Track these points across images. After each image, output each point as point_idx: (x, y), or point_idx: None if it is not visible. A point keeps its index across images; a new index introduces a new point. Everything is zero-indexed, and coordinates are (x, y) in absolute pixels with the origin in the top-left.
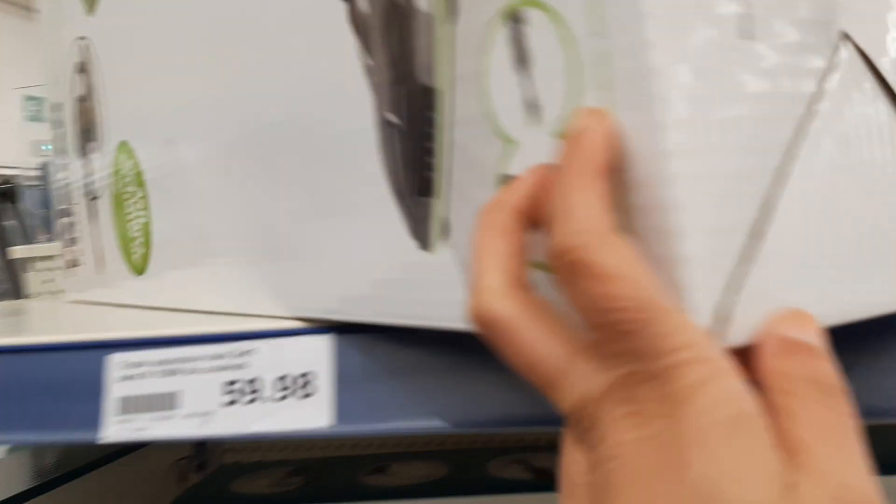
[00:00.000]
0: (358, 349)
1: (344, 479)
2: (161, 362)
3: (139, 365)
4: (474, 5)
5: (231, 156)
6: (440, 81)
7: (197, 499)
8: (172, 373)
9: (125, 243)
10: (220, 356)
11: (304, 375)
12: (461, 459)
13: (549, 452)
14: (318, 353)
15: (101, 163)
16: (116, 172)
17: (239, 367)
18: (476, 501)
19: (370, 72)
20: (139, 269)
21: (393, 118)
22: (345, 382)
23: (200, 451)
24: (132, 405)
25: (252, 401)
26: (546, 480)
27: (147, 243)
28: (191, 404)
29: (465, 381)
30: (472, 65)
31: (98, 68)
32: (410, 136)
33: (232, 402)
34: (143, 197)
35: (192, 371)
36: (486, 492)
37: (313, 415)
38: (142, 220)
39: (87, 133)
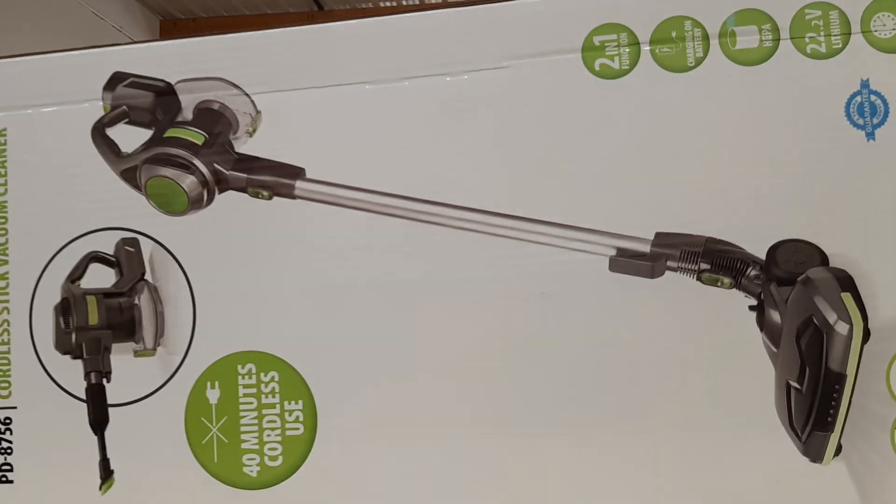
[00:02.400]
0: None
1: None
2: None
3: None
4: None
5: None
6: (849, 370)
7: None
8: None
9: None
10: None
11: None
12: None
13: None
14: None
15: None
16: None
17: None
18: None
19: (773, 355)
20: (254, 483)
21: (795, 384)
22: None
23: None
24: None
25: None
26: None
27: (293, 453)
28: None
29: None
30: (881, 365)
31: None
32: (808, 396)
33: None
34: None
35: None
36: None
37: None
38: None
39: None
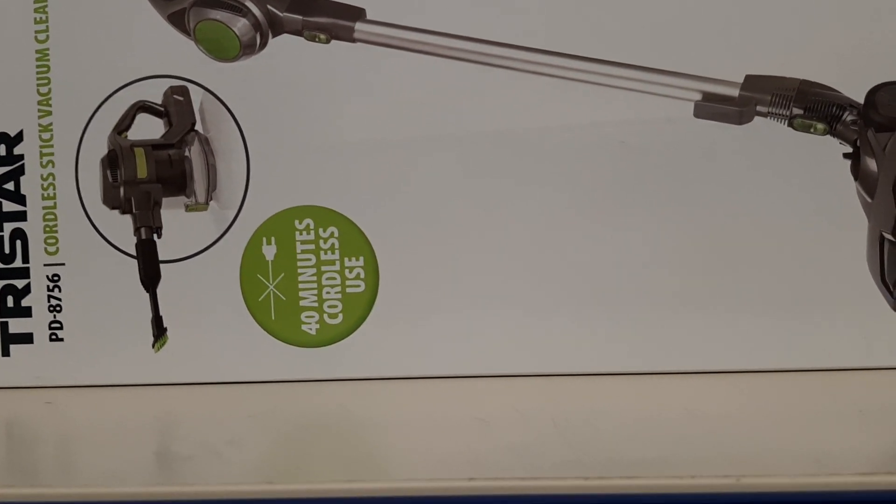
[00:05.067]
0: None
1: None
2: None
3: None
4: None
5: None
6: None
7: None
8: None
9: (289, 311)
10: None
11: None
12: None
13: None
14: None
15: None
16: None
17: None
18: None
19: (867, 206)
20: (313, 342)
21: (889, 237)
22: None
23: None
24: None
25: None
26: None
27: (353, 311)
28: None
29: None
30: None
31: None
32: None
33: None
34: (364, 266)
35: None
36: None
37: None
38: (356, 290)
39: None
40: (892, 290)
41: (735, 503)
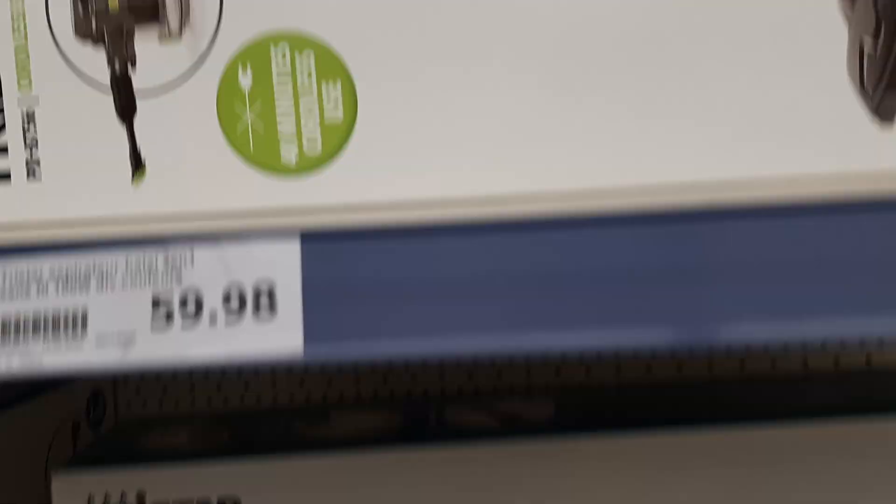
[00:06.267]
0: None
1: (277, 430)
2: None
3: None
4: None
5: None
6: None
7: (98, 457)
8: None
9: (266, 138)
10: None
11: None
12: (416, 407)
13: (517, 398)
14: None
15: None
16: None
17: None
18: (434, 452)
19: (848, 16)
20: (297, 168)
21: (869, 38)
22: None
23: (96, 402)
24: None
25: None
26: (513, 427)
27: (332, 138)
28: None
29: None
30: None
31: None
32: (883, 53)
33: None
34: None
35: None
36: (444, 441)
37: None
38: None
39: None
40: (871, 93)
41: None
